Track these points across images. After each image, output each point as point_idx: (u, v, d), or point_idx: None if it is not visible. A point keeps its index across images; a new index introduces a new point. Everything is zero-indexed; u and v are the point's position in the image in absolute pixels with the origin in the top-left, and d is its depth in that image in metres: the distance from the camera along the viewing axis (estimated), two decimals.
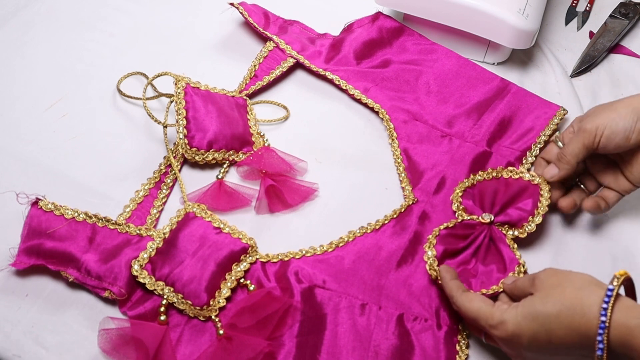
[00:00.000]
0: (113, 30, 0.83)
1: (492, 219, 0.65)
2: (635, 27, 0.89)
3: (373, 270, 0.64)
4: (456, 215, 0.67)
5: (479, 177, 0.68)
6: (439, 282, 0.61)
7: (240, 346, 0.57)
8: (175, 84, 0.71)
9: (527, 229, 0.64)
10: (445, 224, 0.65)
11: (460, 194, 0.68)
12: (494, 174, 0.68)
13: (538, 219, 0.64)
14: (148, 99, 0.74)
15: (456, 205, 0.67)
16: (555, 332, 0.50)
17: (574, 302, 0.50)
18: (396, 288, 0.63)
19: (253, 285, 0.61)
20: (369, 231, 0.66)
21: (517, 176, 0.67)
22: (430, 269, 0.62)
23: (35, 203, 0.62)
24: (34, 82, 0.77)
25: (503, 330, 0.53)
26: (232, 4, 0.83)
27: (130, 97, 0.75)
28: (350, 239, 0.66)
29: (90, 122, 0.74)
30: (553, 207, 0.67)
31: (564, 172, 0.65)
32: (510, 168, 0.68)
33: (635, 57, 0.85)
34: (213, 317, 0.59)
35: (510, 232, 0.65)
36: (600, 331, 0.48)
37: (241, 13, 0.82)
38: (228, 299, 0.61)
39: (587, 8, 0.91)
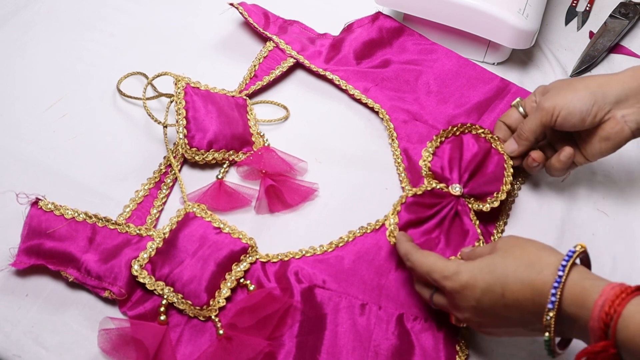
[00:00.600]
0: (113, 30, 0.83)
1: (462, 191, 0.65)
2: (635, 27, 0.89)
3: (373, 270, 0.64)
4: (424, 180, 0.66)
5: (447, 134, 0.69)
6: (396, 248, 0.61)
7: (240, 346, 0.57)
8: (175, 84, 0.71)
9: (490, 204, 0.65)
10: (413, 190, 0.64)
11: (429, 157, 0.67)
12: (463, 129, 0.69)
13: (502, 195, 0.65)
14: (148, 99, 0.74)
15: (425, 170, 0.67)
16: (510, 285, 0.51)
17: (532, 259, 0.51)
18: (396, 288, 0.63)
19: (253, 285, 0.61)
20: (368, 231, 0.66)
21: (484, 136, 0.69)
22: (389, 236, 0.62)
23: (35, 203, 0.62)
24: (34, 82, 0.77)
25: (456, 281, 0.53)
26: (232, 4, 0.83)
27: (130, 97, 0.75)
28: (350, 239, 0.66)
29: (90, 122, 0.74)
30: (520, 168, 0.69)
31: (523, 147, 0.67)
32: (477, 126, 0.69)
33: (635, 57, 0.86)
34: (213, 317, 0.59)
35: (475, 206, 0.65)
36: (555, 284, 0.48)
37: (241, 13, 0.82)
38: (228, 299, 0.61)
39: (587, 8, 0.91)
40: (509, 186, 0.66)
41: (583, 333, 0.49)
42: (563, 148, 0.66)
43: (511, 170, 0.67)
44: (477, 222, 0.65)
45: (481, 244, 0.62)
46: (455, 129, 0.69)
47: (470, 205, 0.65)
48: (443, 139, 0.69)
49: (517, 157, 0.68)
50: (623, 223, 0.70)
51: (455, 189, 0.65)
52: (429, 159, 0.67)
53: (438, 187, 0.65)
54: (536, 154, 0.67)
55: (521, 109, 0.68)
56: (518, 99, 0.69)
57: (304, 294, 0.61)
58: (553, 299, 0.48)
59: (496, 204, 0.65)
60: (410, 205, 0.64)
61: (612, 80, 0.63)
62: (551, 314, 0.48)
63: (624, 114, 0.62)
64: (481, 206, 0.65)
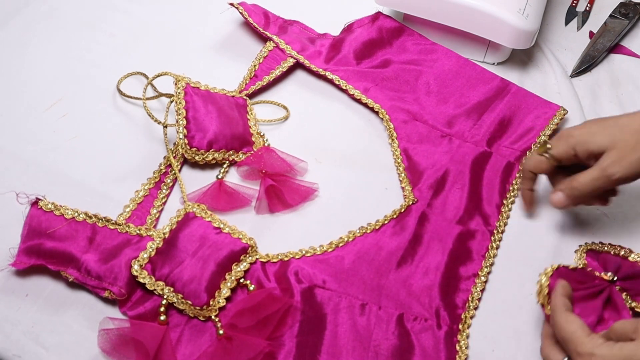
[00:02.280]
0: (113, 30, 0.83)
1: (615, 278, 0.61)
2: (635, 27, 0.89)
3: (373, 270, 0.64)
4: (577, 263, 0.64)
5: (606, 249, 0.65)
6: (546, 311, 0.57)
7: (240, 346, 0.57)
8: (175, 84, 0.71)
9: None
10: (565, 264, 0.60)
11: (584, 251, 0.65)
12: (622, 252, 0.64)
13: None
14: (148, 99, 0.74)
15: (578, 259, 0.64)
16: None
17: None
18: (396, 288, 0.63)
19: (253, 285, 0.61)
20: (368, 231, 0.66)
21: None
22: (538, 295, 0.58)
23: (35, 203, 0.62)
24: (34, 82, 0.77)
25: None
26: (232, 4, 0.83)
27: (130, 97, 0.75)
28: (350, 239, 0.66)
29: (90, 122, 0.74)
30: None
31: (572, 204, 0.63)
32: (638, 253, 0.63)
33: (635, 57, 0.86)
34: (213, 317, 0.59)
35: (629, 303, 0.60)
36: None
37: (241, 13, 0.82)
38: (228, 299, 0.61)
39: (587, 8, 0.91)
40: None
41: None
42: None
43: None
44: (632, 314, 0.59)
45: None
46: (612, 249, 0.64)
47: (624, 298, 0.60)
48: (601, 250, 0.65)
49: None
50: (623, 223, 0.70)
51: (608, 275, 0.61)
52: (584, 251, 0.65)
53: (592, 271, 0.62)
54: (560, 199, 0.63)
55: (547, 155, 0.63)
56: (543, 142, 0.64)
57: (304, 294, 0.61)
58: None
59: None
60: (561, 273, 0.59)
61: None
62: None
63: None
64: (635, 305, 0.60)
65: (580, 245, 0.66)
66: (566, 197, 0.63)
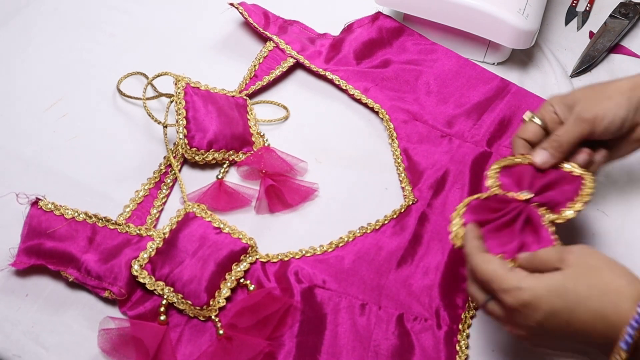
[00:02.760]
0: (113, 30, 0.83)
1: (531, 197, 0.59)
2: (635, 27, 0.89)
3: (373, 270, 0.64)
4: (490, 190, 0.61)
5: (518, 160, 0.62)
6: (462, 249, 0.56)
7: (240, 346, 0.57)
8: (175, 84, 0.71)
9: (565, 215, 0.58)
10: (477, 195, 0.59)
11: (497, 170, 0.62)
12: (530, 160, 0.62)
13: (579, 206, 0.58)
14: (148, 99, 0.74)
15: (492, 180, 0.61)
16: (580, 315, 0.47)
17: (609, 288, 0.47)
18: (396, 288, 0.63)
19: (253, 285, 0.61)
20: (368, 231, 0.66)
21: (558, 166, 0.61)
22: (454, 238, 0.56)
23: (35, 203, 0.62)
24: (34, 82, 0.77)
25: (516, 298, 0.48)
26: (232, 4, 0.83)
27: (130, 97, 0.75)
28: (350, 239, 0.66)
29: (90, 122, 0.74)
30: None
31: (557, 159, 0.61)
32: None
33: (635, 57, 0.85)
34: (213, 317, 0.59)
35: (548, 216, 0.58)
36: (634, 323, 0.45)
37: (241, 13, 0.82)
38: (228, 299, 0.61)
39: (587, 8, 0.91)
40: (588, 197, 0.59)
41: None
42: (592, 153, 0.62)
43: (592, 183, 0.60)
44: (553, 228, 0.58)
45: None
46: (523, 158, 0.62)
47: (541, 214, 0.58)
48: (512, 163, 0.62)
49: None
50: (623, 223, 0.70)
51: (524, 194, 0.59)
52: (497, 170, 0.62)
53: (505, 194, 0.60)
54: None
55: (537, 120, 0.62)
56: (529, 113, 0.63)
57: (304, 294, 0.61)
58: (629, 339, 0.44)
59: (571, 214, 0.58)
60: (474, 207, 0.58)
61: None
62: (623, 355, 0.45)
63: None
64: (555, 217, 0.58)
65: (492, 166, 0.62)
66: (550, 153, 0.61)
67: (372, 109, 0.77)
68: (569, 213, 0.58)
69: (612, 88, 0.61)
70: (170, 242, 0.62)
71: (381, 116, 0.76)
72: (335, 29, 0.84)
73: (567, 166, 0.61)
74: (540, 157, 0.61)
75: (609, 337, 0.46)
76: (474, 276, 0.53)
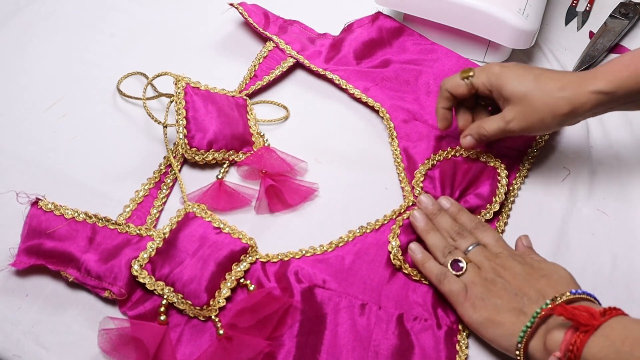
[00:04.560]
0: (113, 30, 0.83)
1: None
2: (635, 27, 0.89)
3: (373, 270, 0.64)
4: (416, 202, 0.68)
5: (439, 157, 0.71)
6: (403, 270, 0.63)
7: (240, 346, 0.57)
8: (175, 84, 0.71)
9: (484, 216, 0.67)
10: (407, 213, 0.67)
11: (421, 179, 0.70)
12: (453, 152, 0.70)
13: (495, 207, 0.67)
14: (148, 99, 0.74)
15: (418, 190, 0.69)
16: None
17: None
18: (396, 288, 0.63)
19: (253, 285, 0.61)
20: (368, 231, 0.66)
21: (475, 156, 0.70)
22: (394, 259, 0.63)
23: (35, 203, 0.62)
24: (34, 82, 0.77)
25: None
26: (231, 4, 0.83)
27: (130, 97, 0.76)
28: (350, 239, 0.66)
29: (90, 122, 0.74)
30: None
31: (480, 145, 0.69)
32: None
33: None
34: (213, 317, 0.59)
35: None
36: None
37: (241, 13, 0.82)
38: (228, 299, 0.61)
39: (587, 8, 0.91)
40: (502, 196, 0.68)
41: None
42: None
43: (505, 180, 0.68)
44: None
45: None
46: (446, 153, 0.71)
47: None
48: (435, 162, 0.71)
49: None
50: (623, 223, 0.70)
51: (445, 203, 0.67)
52: (422, 179, 0.70)
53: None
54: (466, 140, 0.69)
55: (467, 82, 0.66)
56: (468, 69, 0.66)
57: (304, 293, 0.61)
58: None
59: (489, 217, 0.67)
60: (407, 227, 0.66)
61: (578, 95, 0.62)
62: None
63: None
64: (479, 217, 0.67)
65: (416, 172, 0.70)
66: (475, 140, 0.68)
67: (372, 109, 0.77)
68: (487, 215, 0.67)
69: (543, 102, 0.62)
70: (170, 242, 0.62)
71: (381, 115, 0.76)
72: (335, 29, 0.84)
73: (483, 157, 0.70)
74: (467, 142, 0.68)
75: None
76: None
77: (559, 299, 0.53)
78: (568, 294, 0.54)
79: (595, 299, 0.55)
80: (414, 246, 0.63)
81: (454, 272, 0.60)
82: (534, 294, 0.55)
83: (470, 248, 0.61)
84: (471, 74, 0.66)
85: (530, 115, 0.63)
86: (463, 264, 0.60)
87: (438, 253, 0.62)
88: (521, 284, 0.57)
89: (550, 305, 0.53)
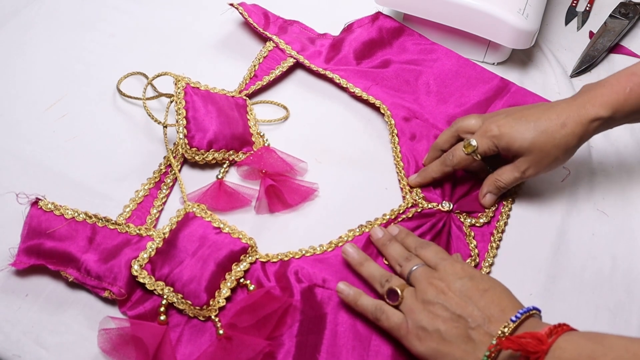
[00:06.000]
0: (113, 30, 0.83)
1: (452, 207, 0.68)
2: (635, 27, 0.89)
3: None
4: (417, 203, 0.68)
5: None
6: None
7: (240, 346, 0.57)
8: (175, 84, 0.71)
9: (482, 219, 0.68)
10: (404, 215, 0.67)
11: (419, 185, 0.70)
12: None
13: (491, 212, 0.68)
14: (148, 99, 0.74)
15: (416, 193, 0.69)
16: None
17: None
18: None
19: (253, 285, 0.61)
20: (368, 230, 0.66)
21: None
22: (386, 261, 0.63)
23: (35, 203, 0.62)
24: (34, 82, 0.77)
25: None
26: (231, 5, 0.83)
27: (130, 97, 0.75)
28: (350, 239, 0.66)
29: (90, 122, 0.74)
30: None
31: (496, 197, 0.69)
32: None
33: (635, 57, 0.86)
34: (213, 317, 0.59)
35: (468, 221, 0.67)
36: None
37: (241, 14, 0.82)
38: (228, 299, 0.61)
39: (587, 8, 0.91)
40: (498, 201, 0.69)
41: None
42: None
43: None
44: (472, 234, 0.67)
45: (471, 263, 0.64)
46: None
47: (462, 220, 0.67)
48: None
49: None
50: (623, 223, 0.70)
51: (445, 206, 0.67)
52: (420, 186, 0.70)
53: (429, 206, 0.68)
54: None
55: (476, 156, 0.66)
56: (468, 144, 0.66)
57: (303, 293, 0.61)
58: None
59: (487, 219, 0.68)
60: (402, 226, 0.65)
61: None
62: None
63: None
64: (473, 221, 0.67)
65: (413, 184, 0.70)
66: (495, 195, 0.68)
67: (372, 107, 0.77)
68: (484, 219, 0.68)
69: (552, 145, 0.63)
70: (170, 242, 0.62)
71: (382, 112, 0.76)
72: (335, 29, 0.84)
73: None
74: (488, 200, 0.68)
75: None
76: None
77: (504, 330, 0.50)
78: (510, 323, 0.51)
79: (537, 310, 0.53)
80: (342, 285, 0.60)
81: (390, 303, 0.56)
82: (478, 316, 0.52)
83: (414, 268, 0.58)
84: (474, 144, 0.65)
85: (544, 160, 0.64)
86: (398, 292, 0.56)
87: (376, 284, 0.59)
88: (463, 303, 0.53)
89: (495, 342, 0.50)
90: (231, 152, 0.70)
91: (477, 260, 0.65)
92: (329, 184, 0.70)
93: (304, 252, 0.64)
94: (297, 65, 0.81)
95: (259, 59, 0.80)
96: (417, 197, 0.68)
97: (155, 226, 0.66)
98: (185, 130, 0.68)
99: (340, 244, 0.65)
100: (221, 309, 0.60)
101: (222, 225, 0.63)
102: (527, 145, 0.63)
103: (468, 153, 0.66)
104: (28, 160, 0.70)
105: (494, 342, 0.50)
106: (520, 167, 0.65)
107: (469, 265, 0.59)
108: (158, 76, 0.74)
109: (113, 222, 0.63)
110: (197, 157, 0.69)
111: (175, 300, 0.59)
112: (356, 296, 0.59)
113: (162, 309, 0.59)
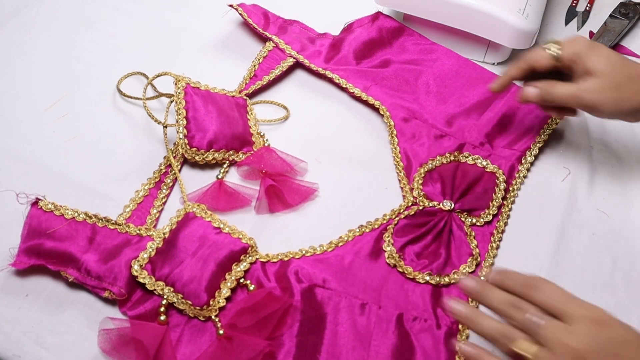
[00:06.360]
0: (113, 30, 0.83)
1: (453, 206, 0.67)
2: (635, 27, 0.89)
3: (373, 270, 0.64)
4: (417, 201, 0.68)
5: (437, 162, 0.71)
6: (397, 269, 0.63)
7: (240, 346, 0.57)
8: (175, 84, 0.71)
9: (483, 219, 0.67)
10: (405, 213, 0.67)
11: (420, 181, 0.70)
12: (452, 157, 0.71)
13: (493, 210, 0.68)
14: (148, 99, 0.74)
15: (417, 192, 0.69)
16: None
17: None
18: (396, 288, 0.63)
19: (253, 285, 0.61)
20: (368, 230, 0.66)
21: (472, 162, 0.71)
22: (389, 258, 0.64)
23: (35, 203, 0.62)
24: (34, 82, 0.77)
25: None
26: (231, 6, 0.83)
27: (130, 97, 0.76)
28: (350, 239, 0.66)
29: (90, 122, 0.74)
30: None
31: (540, 105, 0.67)
32: (466, 153, 0.71)
33: (635, 57, 0.85)
34: (213, 317, 0.59)
35: (469, 220, 0.67)
36: None
37: (240, 14, 0.82)
38: (228, 299, 0.61)
39: (587, 8, 0.91)
40: (500, 201, 0.68)
41: None
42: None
43: (503, 185, 0.69)
44: (473, 233, 0.66)
45: (473, 261, 0.64)
46: (445, 158, 0.71)
47: (463, 220, 0.67)
48: (433, 167, 0.71)
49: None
50: (623, 223, 0.70)
51: (446, 205, 0.67)
52: (420, 181, 0.70)
53: (430, 204, 0.67)
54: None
55: (554, 52, 0.64)
56: (555, 40, 0.65)
57: (304, 293, 0.61)
58: None
59: (488, 219, 0.67)
60: (402, 228, 0.66)
61: None
62: None
63: None
64: (474, 220, 0.67)
65: (415, 176, 0.70)
66: (539, 95, 0.65)
67: (372, 107, 0.77)
68: (486, 218, 0.67)
69: (625, 83, 0.61)
70: (170, 242, 0.62)
71: (382, 112, 0.76)
72: (335, 29, 0.84)
73: (482, 163, 0.70)
74: (531, 92, 0.65)
75: None
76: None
77: None
78: None
79: None
80: (464, 346, 0.49)
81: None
82: None
83: (542, 323, 0.46)
84: (559, 46, 0.64)
85: (608, 92, 0.62)
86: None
87: (500, 341, 0.48)
88: None
89: None
90: (231, 152, 0.70)
91: (479, 259, 0.65)
92: (329, 184, 0.70)
93: (304, 252, 0.64)
94: (297, 65, 0.81)
95: (259, 59, 0.80)
96: (418, 196, 0.68)
97: (155, 226, 0.66)
98: (185, 130, 0.68)
99: (340, 244, 0.65)
100: (221, 309, 0.60)
101: (222, 225, 0.63)
102: (603, 67, 0.61)
103: (549, 48, 0.64)
104: (28, 160, 0.70)
105: None
106: (582, 85, 0.62)
107: (607, 314, 0.48)
108: (158, 76, 0.74)
109: (113, 222, 0.63)
110: (197, 157, 0.69)
111: (176, 300, 0.59)
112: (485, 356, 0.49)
113: (162, 309, 0.59)
